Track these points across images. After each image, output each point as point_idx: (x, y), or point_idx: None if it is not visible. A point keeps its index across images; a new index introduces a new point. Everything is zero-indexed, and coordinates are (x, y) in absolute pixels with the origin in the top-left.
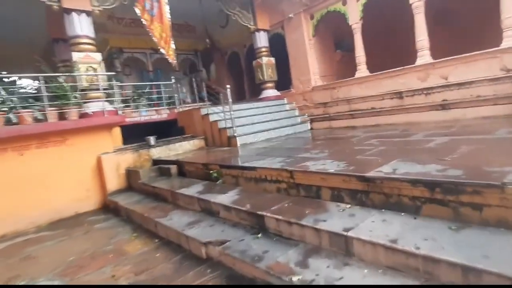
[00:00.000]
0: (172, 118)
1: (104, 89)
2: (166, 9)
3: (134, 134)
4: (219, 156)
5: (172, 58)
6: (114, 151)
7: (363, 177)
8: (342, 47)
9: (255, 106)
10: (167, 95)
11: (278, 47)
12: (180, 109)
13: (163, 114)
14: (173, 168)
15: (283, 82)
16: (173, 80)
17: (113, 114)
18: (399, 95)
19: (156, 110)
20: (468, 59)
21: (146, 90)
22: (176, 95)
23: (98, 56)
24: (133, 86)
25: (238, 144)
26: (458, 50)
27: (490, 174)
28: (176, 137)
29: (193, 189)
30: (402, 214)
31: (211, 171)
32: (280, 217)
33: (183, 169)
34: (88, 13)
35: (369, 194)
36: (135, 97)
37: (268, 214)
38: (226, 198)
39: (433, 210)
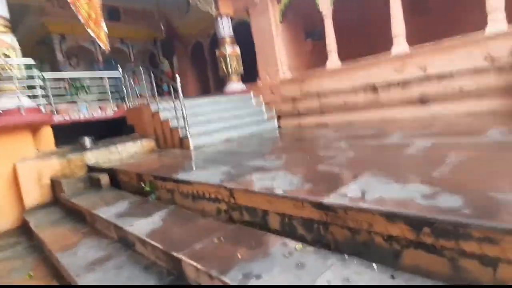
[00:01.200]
0: (120, 115)
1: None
2: None
3: (76, 135)
4: (160, 163)
5: (104, 44)
6: (36, 157)
7: (319, 203)
8: (313, 36)
9: (216, 101)
10: (114, 90)
11: (244, 36)
12: (131, 105)
13: (109, 111)
14: (104, 178)
15: (252, 74)
16: (120, 71)
17: (33, 111)
18: (373, 88)
19: (100, 107)
20: (448, 47)
21: (91, 83)
22: (125, 89)
23: (11, 39)
24: (68, 78)
25: (191, 146)
26: (439, 37)
27: (504, 207)
28: (122, 137)
29: (115, 209)
30: (375, 266)
31: (143, 184)
32: (199, 266)
33: (117, 179)
34: None
35: (328, 226)
36: (72, 91)
37: (186, 259)
38: (146, 224)
39: (419, 259)
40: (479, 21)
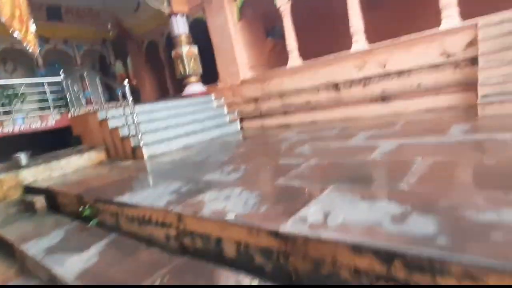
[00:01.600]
0: (63, 125)
1: None
2: None
3: (11, 150)
4: (107, 179)
5: (32, 45)
6: None
7: (275, 232)
8: (274, 34)
9: (174, 105)
10: (57, 97)
11: (202, 34)
12: (75, 114)
13: (51, 121)
14: (39, 201)
15: (212, 75)
16: (61, 76)
17: None
18: (335, 86)
19: (40, 116)
20: (406, 44)
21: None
22: (69, 95)
23: None
24: None
25: (145, 156)
26: (398, 34)
27: (484, 233)
28: (68, 150)
29: (48, 241)
30: None
31: (83, 207)
32: None
33: (56, 201)
34: None
35: (289, 256)
36: (4, 101)
37: None
38: (79, 262)
39: None
40: (437, 18)
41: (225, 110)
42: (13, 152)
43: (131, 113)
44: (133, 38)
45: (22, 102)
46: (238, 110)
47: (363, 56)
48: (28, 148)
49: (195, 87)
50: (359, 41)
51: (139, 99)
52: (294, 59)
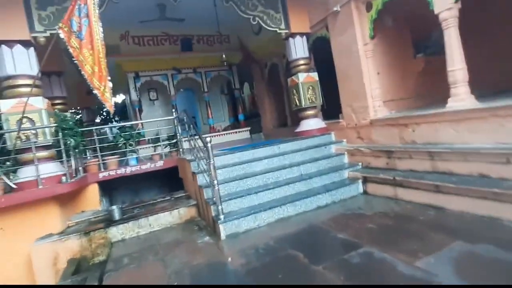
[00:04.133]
0: (171, 165)
1: (48, 146)
2: (98, 27)
3: (123, 190)
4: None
5: (107, 103)
6: (56, 235)
7: None
8: (426, 49)
9: (280, 150)
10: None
11: (323, 55)
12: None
13: (159, 162)
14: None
15: (335, 107)
16: (173, 113)
17: (54, 181)
18: None
19: (152, 156)
20: None
21: (137, 130)
22: (179, 130)
23: (38, 102)
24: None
25: (223, 235)
26: None
27: None
28: (165, 198)
29: None
30: None
31: None
32: None
33: None
34: (27, 44)
35: None
36: (118, 142)
37: None
38: None
39: None
40: None
41: (346, 158)
42: (123, 191)
43: (210, 169)
44: (256, 61)
45: (133, 144)
46: (363, 163)
47: None
48: (140, 185)
49: (311, 122)
50: None
51: (259, 127)
52: (461, 96)
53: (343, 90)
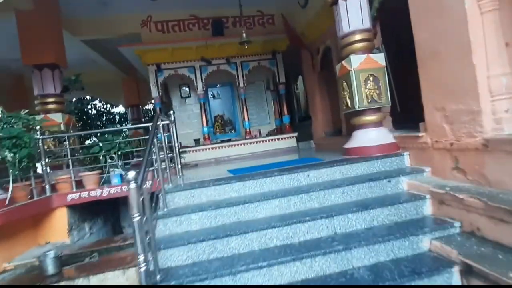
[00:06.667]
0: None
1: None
2: None
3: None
4: None
5: None
6: None
7: None
8: None
9: (306, 182)
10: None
11: (396, 25)
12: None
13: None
14: None
15: (410, 109)
16: (172, 117)
17: None
18: None
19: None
20: None
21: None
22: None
23: (58, 117)
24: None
25: None
26: None
27: None
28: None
29: None
30: None
31: None
32: None
33: None
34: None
35: None
36: (98, 153)
37: None
38: None
39: None
40: None
41: (428, 207)
42: (110, 217)
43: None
44: (306, 47)
45: (119, 156)
46: (463, 225)
47: None
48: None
49: (371, 134)
50: None
51: (308, 133)
52: None
53: (427, 81)
